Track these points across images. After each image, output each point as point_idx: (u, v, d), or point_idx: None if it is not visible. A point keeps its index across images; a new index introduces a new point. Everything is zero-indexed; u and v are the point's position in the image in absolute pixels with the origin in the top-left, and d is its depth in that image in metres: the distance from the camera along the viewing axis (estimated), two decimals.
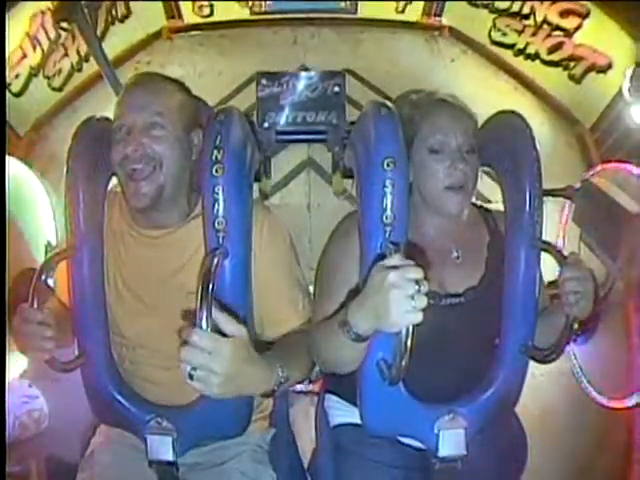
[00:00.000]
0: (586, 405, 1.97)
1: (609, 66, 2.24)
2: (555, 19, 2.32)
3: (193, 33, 2.69)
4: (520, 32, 2.45)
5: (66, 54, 2.41)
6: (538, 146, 1.17)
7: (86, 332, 1.16)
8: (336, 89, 2.14)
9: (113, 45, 2.47)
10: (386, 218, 1.03)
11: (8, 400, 1.59)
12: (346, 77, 2.25)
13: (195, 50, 2.68)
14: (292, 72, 2.32)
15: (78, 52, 2.42)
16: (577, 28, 2.28)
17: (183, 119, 1.18)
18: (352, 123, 2.22)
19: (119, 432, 1.22)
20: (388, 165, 1.03)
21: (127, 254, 1.20)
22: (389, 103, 1.11)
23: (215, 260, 0.99)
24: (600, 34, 2.25)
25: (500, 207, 1.24)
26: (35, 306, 1.04)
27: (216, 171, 1.04)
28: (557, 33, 2.34)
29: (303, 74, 2.18)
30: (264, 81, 2.17)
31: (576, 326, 1.11)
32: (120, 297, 1.19)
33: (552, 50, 2.39)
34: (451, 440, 1.14)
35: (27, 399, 1.83)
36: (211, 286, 0.93)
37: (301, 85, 2.17)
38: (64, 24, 2.22)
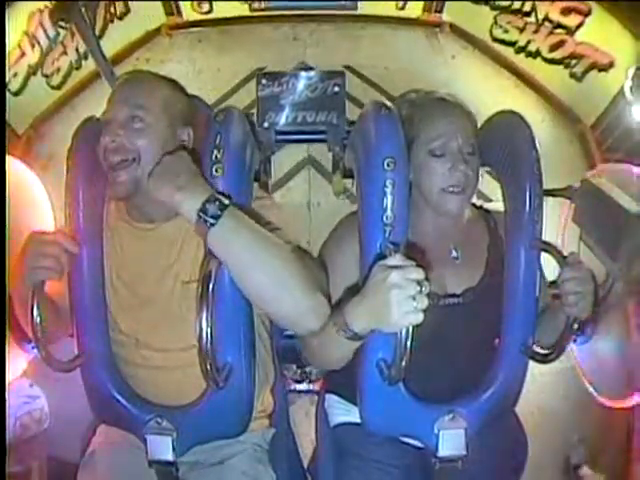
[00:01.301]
0: (586, 405, 1.97)
1: (611, 65, 2.23)
2: (556, 17, 2.31)
3: (192, 30, 2.67)
4: (521, 30, 2.43)
5: (65, 52, 2.40)
6: (538, 144, 1.17)
7: (86, 332, 1.16)
8: (336, 89, 2.13)
9: (112, 42, 2.46)
10: (386, 218, 1.03)
11: (9, 401, 1.59)
12: (346, 74, 2.23)
13: (194, 47, 2.67)
14: (292, 72, 2.30)
15: (77, 50, 2.41)
16: (579, 26, 2.27)
17: (168, 114, 1.16)
18: (352, 123, 2.21)
19: (119, 432, 1.21)
20: (388, 165, 1.03)
21: (122, 248, 1.20)
22: (389, 103, 1.11)
23: (215, 260, 0.99)
24: (602, 32, 2.24)
25: (500, 206, 1.24)
26: (35, 308, 1.04)
27: (216, 171, 1.04)
28: (559, 31, 2.33)
29: (303, 74, 2.17)
30: (264, 81, 2.15)
31: (576, 326, 1.11)
32: (115, 290, 1.19)
33: (553, 48, 2.38)
34: (451, 440, 1.13)
35: (28, 399, 1.82)
36: (211, 287, 0.93)
37: (301, 85, 2.16)
38: (62, 23, 2.22)
